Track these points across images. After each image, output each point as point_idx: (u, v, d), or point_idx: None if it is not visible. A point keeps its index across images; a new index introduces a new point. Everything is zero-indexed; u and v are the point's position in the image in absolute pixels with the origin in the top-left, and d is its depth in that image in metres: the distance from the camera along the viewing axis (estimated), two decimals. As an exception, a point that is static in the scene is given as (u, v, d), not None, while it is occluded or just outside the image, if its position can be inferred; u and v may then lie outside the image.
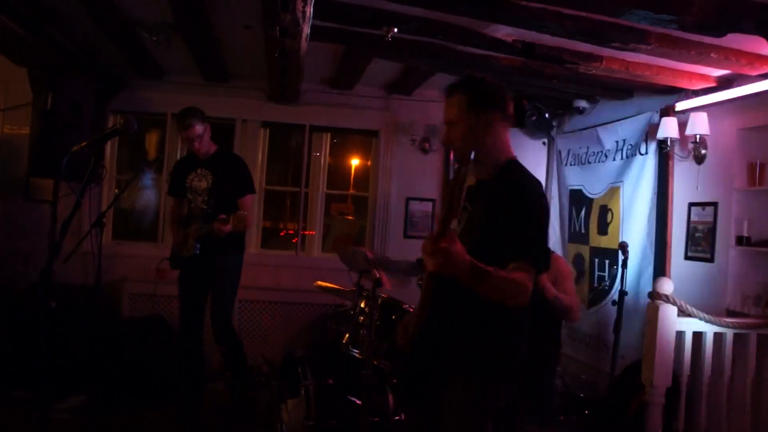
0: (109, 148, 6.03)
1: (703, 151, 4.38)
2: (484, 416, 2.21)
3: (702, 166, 4.41)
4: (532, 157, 6.45)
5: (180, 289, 4.48)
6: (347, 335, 3.70)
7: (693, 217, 4.48)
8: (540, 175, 6.42)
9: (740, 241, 4.06)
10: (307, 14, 3.33)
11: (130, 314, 5.67)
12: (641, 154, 4.97)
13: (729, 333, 3.40)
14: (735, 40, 3.49)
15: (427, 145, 6.23)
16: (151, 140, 6.68)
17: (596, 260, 5.52)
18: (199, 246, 4.25)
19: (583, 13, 3.40)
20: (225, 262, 4.36)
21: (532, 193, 2.20)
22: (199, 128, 4.27)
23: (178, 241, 4.46)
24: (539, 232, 2.15)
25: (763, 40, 3.29)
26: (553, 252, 4.17)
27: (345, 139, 6.93)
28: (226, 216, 4.02)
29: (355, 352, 3.60)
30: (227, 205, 4.21)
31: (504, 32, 3.96)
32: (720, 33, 3.24)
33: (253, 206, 4.53)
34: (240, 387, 4.57)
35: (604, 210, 5.45)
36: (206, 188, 4.37)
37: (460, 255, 1.93)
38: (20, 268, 5.22)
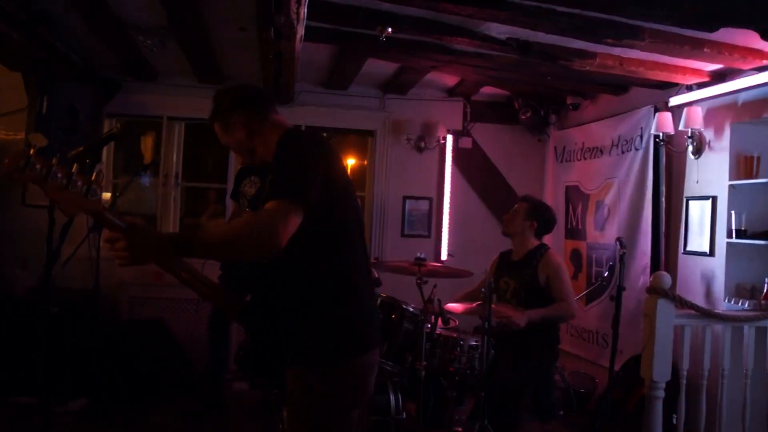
0: (105, 152, 6.03)
1: (698, 146, 4.40)
2: (323, 405, 2.01)
3: (698, 160, 4.43)
4: (527, 154, 6.49)
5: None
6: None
7: (690, 211, 4.49)
8: (535, 171, 6.46)
9: (737, 233, 4.07)
10: (301, 15, 3.34)
11: (129, 317, 5.68)
12: (636, 149, 4.98)
13: (727, 326, 3.41)
14: (728, 35, 3.51)
15: (422, 143, 6.25)
16: (147, 143, 6.68)
17: (593, 256, 5.53)
18: None
19: (576, 11, 3.42)
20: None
21: (286, 141, 2.07)
22: None
23: None
24: (288, 166, 1.97)
25: (755, 34, 3.30)
26: (548, 248, 4.20)
27: (341, 139, 6.94)
28: None
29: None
30: None
31: (498, 30, 3.97)
32: (712, 28, 3.26)
33: None
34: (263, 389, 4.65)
35: (601, 205, 5.46)
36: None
37: (145, 239, 1.76)
38: (18, 273, 5.21)
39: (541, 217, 4.18)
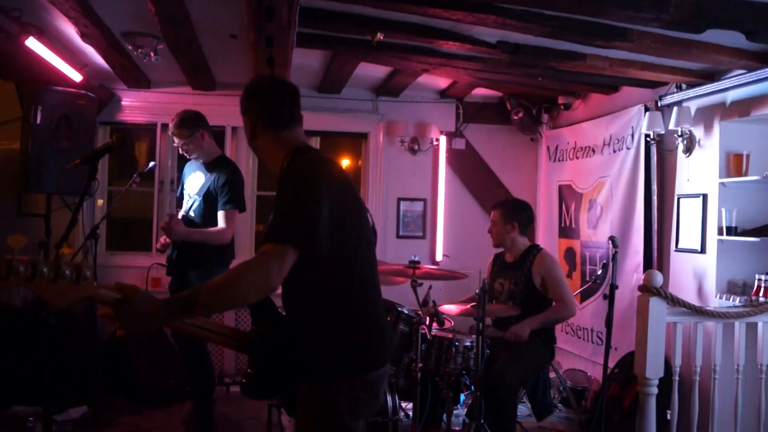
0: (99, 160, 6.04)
1: (688, 144, 4.45)
2: (333, 418, 2.03)
3: (688, 158, 4.47)
4: (520, 153, 6.53)
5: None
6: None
7: (681, 209, 4.54)
8: (528, 171, 6.50)
9: (728, 231, 4.12)
10: (293, 23, 3.37)
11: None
12: (628, 148, 5.03)
13: (718, 323, 3.45)
14: (714, 36, 3.55)
15: (416, 145, 6.29)
16: (141, 150, 6.70)
17: (587, 254, 5.58)
18: (172, 251, 4.16)
19: (566, 14, 3.45)
20: (198, 277, 4.00)
21: (289, 174, 2.06)
22: (183, 132, 4.21)
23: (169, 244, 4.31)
24: (287, 208, 1.97)
25: (740, 35, 3.35)
26: (542, 249, 4.25)
27: (334, 142, 6.97)
28: (166, 225, 3.98)
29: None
30: (210, 212, 4.14)
31: (489, 33, 4.01)
32: (698, 29, 3.30)
33: (230, 222, 4.11)
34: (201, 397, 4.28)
35: (593, 204, 5.51)
36: (196, 192, 4.31)
37: (139, 311, 1.76)
38: (15, 282, 5.21)
39: (518, 215, 4.26)
